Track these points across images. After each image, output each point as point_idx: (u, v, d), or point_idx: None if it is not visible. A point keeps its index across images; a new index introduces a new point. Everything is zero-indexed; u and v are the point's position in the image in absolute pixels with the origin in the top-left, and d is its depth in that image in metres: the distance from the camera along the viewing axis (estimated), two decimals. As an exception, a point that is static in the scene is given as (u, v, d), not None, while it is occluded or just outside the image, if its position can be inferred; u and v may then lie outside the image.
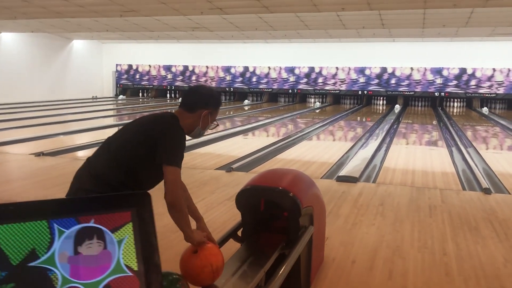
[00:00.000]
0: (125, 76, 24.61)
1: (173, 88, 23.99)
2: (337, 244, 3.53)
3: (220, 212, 4.28)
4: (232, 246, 2.62)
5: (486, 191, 5.19)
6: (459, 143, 9.35)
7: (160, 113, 2.20)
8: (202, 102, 2.15)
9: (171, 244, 3.45)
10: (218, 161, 6.92)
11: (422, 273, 3.05)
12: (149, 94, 24.47)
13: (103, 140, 2.18)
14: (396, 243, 3.59)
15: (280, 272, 2.23)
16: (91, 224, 1.03)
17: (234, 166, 6.46)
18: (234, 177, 5.79)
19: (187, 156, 7.20)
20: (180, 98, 2.11)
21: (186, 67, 23.75)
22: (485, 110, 18.24)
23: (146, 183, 2.10)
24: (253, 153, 7.62)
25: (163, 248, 3.41)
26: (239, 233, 2.70)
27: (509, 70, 19.23)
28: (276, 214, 2.87)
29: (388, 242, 3.59)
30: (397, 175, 6.21)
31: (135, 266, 1.09)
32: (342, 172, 6.15)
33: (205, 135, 9.75)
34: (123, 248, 1.06)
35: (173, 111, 2.22)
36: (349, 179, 5.67)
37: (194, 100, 2.14)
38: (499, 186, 5.68)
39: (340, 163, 7.01)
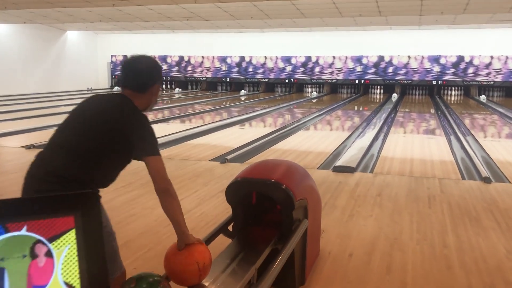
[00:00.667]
0: (120, 67, 24.32)
1: (168, 78, 23.76)
2: (333, 237, 3.41)
3: (213, 205, 4.15)
4: (223, 242, 2.49)
5: (486, 180, 5.07)
6: (457, 131, 9.23)
7: (115, 100, 2.01)
8: (151, 81, 2.05)
9: (161, 239, 3.32)
10: (213, 152, 6.79)
11: (421, 267, 2.93)
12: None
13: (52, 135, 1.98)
14: (395, 235, 3.47)
15: (273, 268, 2.11)
16: (23, 232, 0.83)
17: (229, 157, 6.32)
18: (228, 168, 5.65)
19: (181, 148, 7.10)
20: (121, 79, 2.05)
21: (181, 58, 23.51)
22: (483, 98, 18.11)
23: (112, 175, 2.00)
24: (249, 143, 7.48)
25: (153, 243, 3.30)
26: (230, 227, 2.57)
27: (507, 57, 19.06)
28: (268, 207, 2.75)
29: (386, 234, 3.47)
30: (395, 164, 6.09)
31: (77, 284, 0.90)
32: (339, 162, 6.02)
33: (201, 126, 9.66)
34: (63, 261, 0.85)
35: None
36: (346, 169, 5.54)
37: (143, 81, 2.03)
38: (499, 174, 5.57)
39: (337, 153, 6.88)
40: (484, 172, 5.41)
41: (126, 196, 4.38)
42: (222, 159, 6.05)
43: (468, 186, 4.93)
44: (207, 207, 4.08)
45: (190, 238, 1.89)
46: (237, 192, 2.49)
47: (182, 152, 6.73)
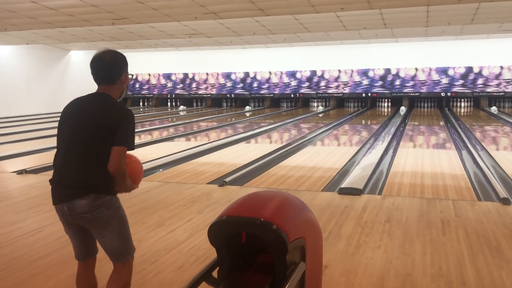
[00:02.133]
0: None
1: (173, 96, 23.61)
2: (337, 273, 3.05)
3: (206, 237, 3.77)
4: (207, 291, 2.16)
5: (505, 201, 4.69)
6: (469, 145, 8.84)
7: (97, 101, 2.28)
8: (118, 71, 2.29)
9: (144, 279, 2.99)
10: (214, 172, 6.47)
11: (438, 310, 2.57)
12: (150, 103, 24.11)
13: (58, 151, 2.27)
14: (406, 270, 3.10)
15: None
16: None
17: (230, 178, 6.01)
18: (226, 192, 5.32)
19: (177, 170, 6.79)
20: (93, 76, 2.35)
21: (186, 75, 23.38)
22: (493, 109, 17.66)
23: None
24: (250, 163, 7.16)
25: (136, 284, 2.96)
26: (215, 273, 2.23)
27: (517, 67, 18.65)
28: (261, 247, 2.40)
29: (396, 269, 3.11)
30: (405, 184, 5.72)
31: None
32: (346, 182, 5.67)
33: (205, 144, 9.38)
34: None
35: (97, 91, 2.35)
36: (352, 191, 5.18)
37: (111, 74, 2.28)
38: (518, 194, 5.17)
39: (344, 171, 6.53)
40: (502, 192, 5.02)
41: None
42: (221, 181, 5.72)
43: (485, 208, 4.54)
44: (199, 239, 3.74)
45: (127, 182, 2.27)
46: (222, 232, 2.16)
47: (182, 173, 6.43)
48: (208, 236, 2.17)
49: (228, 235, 2.18)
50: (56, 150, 2.28)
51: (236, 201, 2.33)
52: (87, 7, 10.15)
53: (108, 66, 2.29)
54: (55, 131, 9.15)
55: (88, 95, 2.32)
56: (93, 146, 2.15)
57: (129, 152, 2.26)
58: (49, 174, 6.44)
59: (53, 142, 9.78)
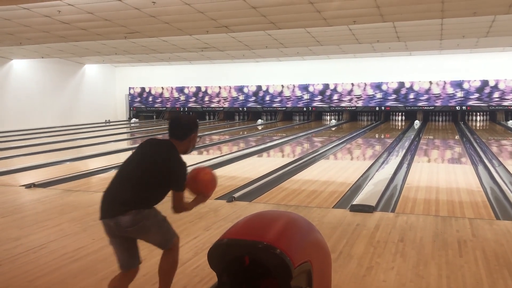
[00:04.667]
0: (138, 99, 24.41)
1: (186, 109, 23.66)
2: (347, 298, 2.90)
3: (212, 255, 3.67)
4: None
5: (524, 220, 4.49)
6: (485, 159, 8.61)
7: (165, 145, 2.73)
8: (189, 131, 2.75)
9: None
10: (225, 186, 6.35)
11: None
12: (163, 117, 24.19)
13: (117, 172, 2.70)
14: (421, 294, 2.93)
15: None
16: None
17: (239, 193, 5.89)
18: (234, 208, 5.20)
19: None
20: (169, 131, 2.79)
21: (199, 88, 23.43)
22: (510, 123, 17.31)
23: (158, 199, 2.67)
24: (261, 177, 7.04)
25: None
26: (216, 299, 2.11)
27: (534, 80, 18.32)
28: (265, 270, 2.28)
29: (410, 294, 2.94)
30: (419, 200, 5.54)
31: None
32: (358, 199, 5.51)
33: (214, 159, 9.29)
34: None
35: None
36: (365, 209, 5.02)
37: (183, 132, 2.75)
38: (538, 212, 4.96)
39: (356, 187, 6.37)
40: (521, 210, 4.82)
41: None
42: (229, 197, 5.61)
43: (504, 227, 4.35)
44: (204, 258, 3.58)
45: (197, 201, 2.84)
46: (222, 256, 2.04)
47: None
48: (208, 259, 2.05)
49: (228, 259, 2.06)
50: (117, 170, 2.72)
51: (238, 222, 2.21)
52: (99, 21, 10.22)
53: (181, 126, 2.77)
54: (68, 144, 9.23)
55: (163, 140, 2.79)
56: (148, 180, 2.59)
57: (201, 166, 2.92)
58: (57, 188, 6.41)
59: (64, 155, 9.74)
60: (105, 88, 23.77)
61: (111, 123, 22.01)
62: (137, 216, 2.53)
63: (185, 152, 2.77)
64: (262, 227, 2.12)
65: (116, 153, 10.66)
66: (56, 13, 9.65)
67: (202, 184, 2.80)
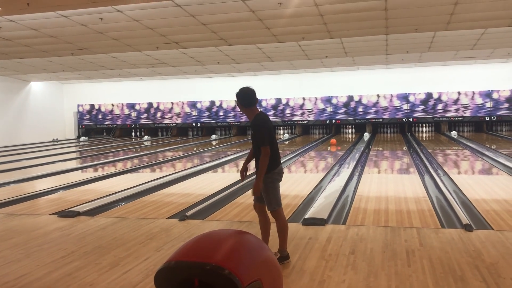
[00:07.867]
0: (88, 116, 23.79)
1: (137, 126, 23.26)
2: (300, 313, 2.89)
3: (163, 277, 3.58)
4: None
5: (467, 227, 4.68)
6: (431, 169, 8.95)
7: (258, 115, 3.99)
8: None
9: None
10: (176, 205, 6.26)
11: None
12: (113, 134, 23.65)
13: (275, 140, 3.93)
14: (371, 306, 2.97)
15: None
16: None
17: (192, 211, 5.81)
18: (187, 227, 5.12)
19: (140, 203, 6.54)
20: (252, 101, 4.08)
21: (150, 104, 23.13)
22: (454, 133, 18.16)
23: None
24: (215, 194, 7.00)
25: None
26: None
27: (473, 93, 19.35)
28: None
29: (361, 306, 2.98)
30: (369, 211, 5.66)
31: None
32: (310, 212, 5.57)
33: (167, 176, 9.13)
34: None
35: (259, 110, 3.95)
36: (317, 222, 5.08)
37: (250, 101, 4.06)
38: (479, 219, 5.19)
39: (309, 199, 6.45)
40: (464, 218, 5.02)
41: (63, 270, 3.78)
42: (181, 216, 5.52)
43: (448, 236, 4.51)
44: (155, 280, 3.51)
45: (259, 182, 3.78)
46: (171, 279, 1.99)
47: (143, 207, 6.19)
48: (154, 283, 2.00)
49: (177, 281, 2.01)
50: (273, 138, 3.93)
51: (186, 244, 2.17)
52: (44, 37, 9.92)
53: (248, 96, 4.12)
54: (13, 165, 8.83)
55: (263, 112, 4.08)
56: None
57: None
58: (0, 212, 6.04)
59: (10, 177, 9.26)
60: (53, 105, 22.99)
61: (59, 142, 21.27)
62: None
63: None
64: (210, 247, 2.08)
65: (64, 173, 10.29)
66: (-3, 29, 9.29)
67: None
